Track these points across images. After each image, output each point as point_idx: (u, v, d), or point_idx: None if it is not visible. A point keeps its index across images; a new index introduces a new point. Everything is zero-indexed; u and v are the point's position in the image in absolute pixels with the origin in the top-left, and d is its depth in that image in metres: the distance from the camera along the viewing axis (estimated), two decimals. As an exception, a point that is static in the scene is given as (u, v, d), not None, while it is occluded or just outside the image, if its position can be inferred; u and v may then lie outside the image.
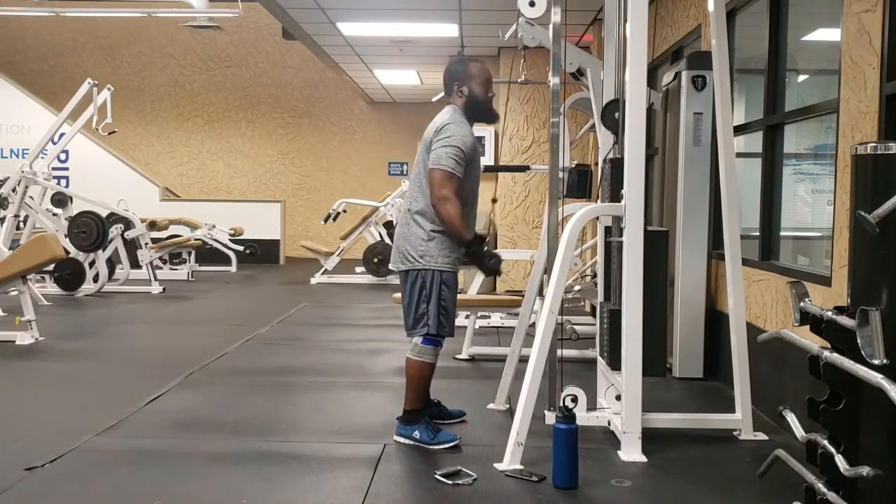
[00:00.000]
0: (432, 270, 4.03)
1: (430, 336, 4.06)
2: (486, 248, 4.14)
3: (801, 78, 5.26)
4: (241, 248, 13.40)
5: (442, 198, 3.94)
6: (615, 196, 4.07)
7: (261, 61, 16.47)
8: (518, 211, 10.62)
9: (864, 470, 2.41)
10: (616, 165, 4.10)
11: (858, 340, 2.42)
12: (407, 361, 4.15)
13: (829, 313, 2.65)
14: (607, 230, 4.44)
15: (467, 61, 4.27)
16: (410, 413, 4.12)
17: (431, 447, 4.02)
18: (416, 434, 4.07)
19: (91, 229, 9.72)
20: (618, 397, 4.11)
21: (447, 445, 4.03)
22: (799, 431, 2.85)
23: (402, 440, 4.10)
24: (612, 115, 4.41)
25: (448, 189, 3.94)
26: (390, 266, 4.27)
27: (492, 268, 4.16)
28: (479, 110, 4.18)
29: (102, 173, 14.37)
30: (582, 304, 8.21)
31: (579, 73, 5.28)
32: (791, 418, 2.93)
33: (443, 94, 4.31)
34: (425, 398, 4.21)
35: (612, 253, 4.31)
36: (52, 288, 9.89)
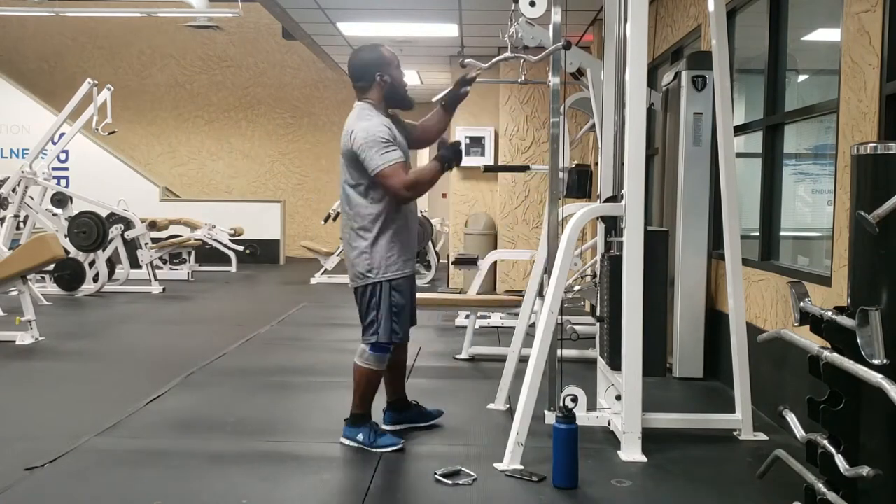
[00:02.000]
0: (381, 282, 3.97)
1: (380, 344, 4.01)
2: (451, 151, 4.01)
3: (801, 78, 5.26)
4: (241, 248, 13.39)
5: (404, 186, 3.86)
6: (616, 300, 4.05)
7: (261, 61, 16.46)
8: (518, 211, 10.62)
9: (864, 470, 2.42)
10: (617, 263, 4.02)
11: (858, 340, 2.42)
12: (354, 367, 4.10)
13: (829, 313, 2.65)
14: (607, 231, 4.43)
15: (376, 46, 4.07)
16: (357, 416, 4.10)
17: (372, 450, 3.98)
18: (360, 437, 4.04)
19: (91, 229, 9.72)
20: (618, 397, 4.11)
21: (389, 449, 3.98)
22: (799, 431, 2.85)
23: (346, 442, 4.07)
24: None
25: (402, 178, 3.85)
26: (349, 285, 4.15)
27: (459, 154, 4.03)
28: (399, 96, 4.08)
29: (102, 173, 14.36)
30: (582, 304, 8.20)
31: (579, 73, 5.28)
32: (791, 418, 2.94)
33: (441, 95, 4.26)
34: (371, 402, 4.14)
35: (602, 272, 4.30)
36: (52, 288, 9.89)
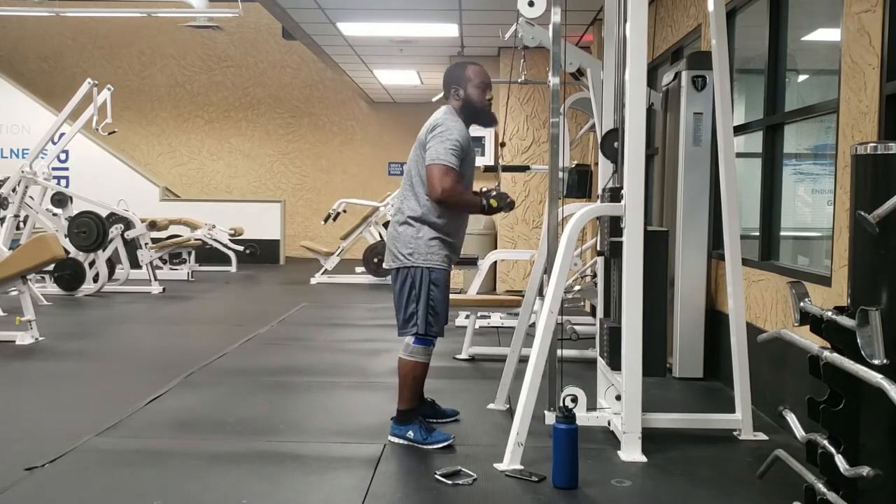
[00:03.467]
0: (420, 268, 4.05)
1: (420, 336, 4.08)
2: (496, 196, 4.11)
3: (801, 78, 5.26)
4: (241, 248, 13.40)
5: (444, 190, 3.95)
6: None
7: (261, 61, 16.46)
8: (518, 211, 10.62)
9: (864, 470, 2.42)
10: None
11: (858, 340, 2.42)
12: (399, 361, 4.16)
13: (829, 313, 2.65)
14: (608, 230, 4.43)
15: (465, 64, 4.28)
16: (404, 413, 4.13)
17: (425, 447, 4.02)
18: (410, 434, 4.07)
19: (91, 229, 9.72)
20: (618, 397, 4.11)
21: (441, 445, 4.03)
22: (799, 431, 2.85)
23: (396, 440, 4.11)
24: (612, 144, 4.39)
25: (449, 181, 3.96)
26: (384, 265, 4.29)
27: (510, 206, 4.15)
28: (475, 113, 4.21)
29: (102, 173, 14.36)
30: (582, 304, 8.21)
31: (579, 73, 5.27)
32: (791, 418, 2.94)
33: (442, 94, 4.31)
34: (419, 398, 4.22)
35: (612, 269, 4.29)
36: (52, 288, 9.89)
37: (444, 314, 4.18)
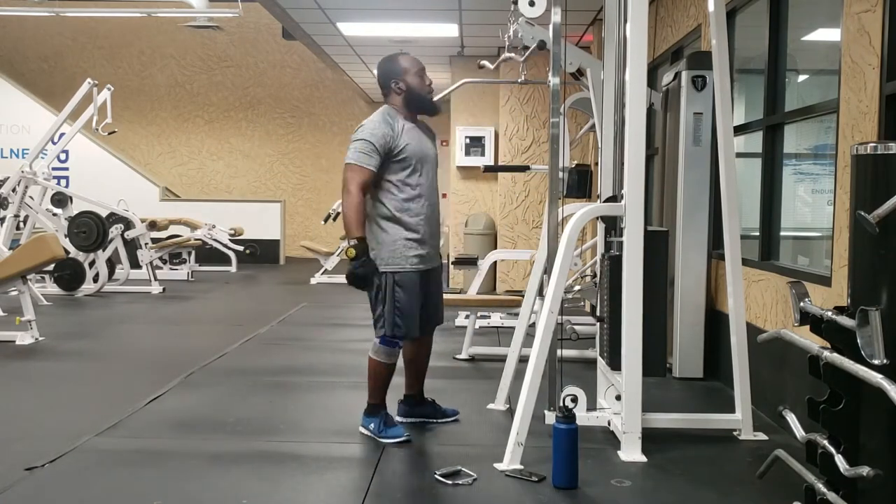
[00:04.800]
0: (385, 273, 4.06)
1: (387, 338, 4.11)
2: (363, 259, 3.98)
3: (801, 78, 5.26)
4: (241, 248, 13.39)
5: (346, 191, 3.96)
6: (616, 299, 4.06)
7: (261, 61, 16.46)
8: (518, 211, 10.62)
9: (864, 470, 2.41)
10: (617, 262, 4.03)
11: (858, 340, 2.42)
12: (368, 359, 4.23)
13: (829, 313, 2.65)
14: (607, 231, 4.44)
15: (395, 56, 4.24)
16: (371, 406, 4.23)
17: (380, 440, 4.10)
18: (371, 426, 4.17)
19: (91, 229, 9.72)
20: (618, 397, 4.11)
21: (396, 440, 4.10)
22: (799, 431, 2.85)
23: (362, 430, 4.23)
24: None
25: (353, 182, 3.94)
26: None
27: (353, 275, 3.99)
28: (420, 102, 4.18)
29: (102, 173, 14.35)
30: (582, 304, 8.20)
31: (579, 73, 5.27)
32: (791, 418, 2.94)
33: (441, 95, 4.30)
34: (384, 393, 4.25)
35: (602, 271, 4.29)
36: (52, 288, 9.89)
37: (414, 315, 4.11)
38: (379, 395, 4.22)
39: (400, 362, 4.34)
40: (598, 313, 4.42)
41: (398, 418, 4.35)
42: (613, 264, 4.08)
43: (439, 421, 4.42)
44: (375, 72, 4.26)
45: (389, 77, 4.16)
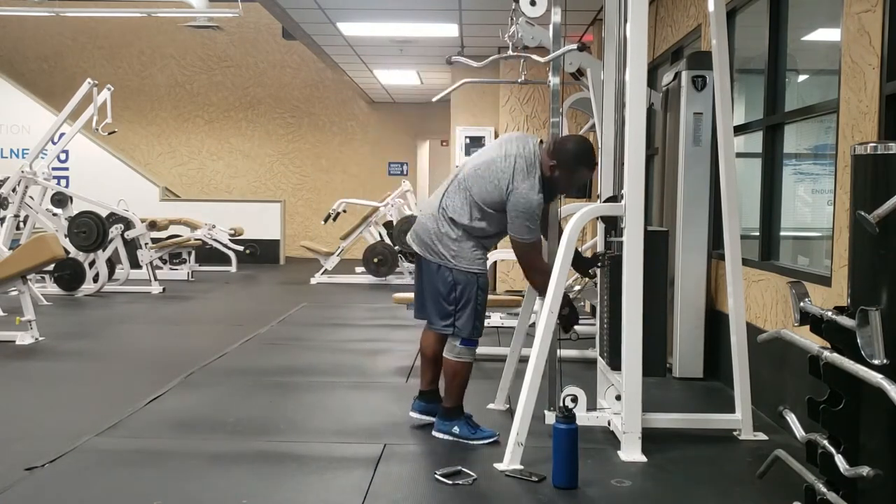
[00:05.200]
0: (466, 272, 4.07)
1: (467, 338, 4.12)
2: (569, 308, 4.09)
3: (801, 78, 5.26)
4: (241, 248, 13.39)
5: (533, 270, 4.08)
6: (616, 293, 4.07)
7: (261, 61, 16.46)
8: (518, 211, 10.60)
9: (864, 470, 2.41)
10: (617, 263, 4.04)
11: (858, 340, 2.42)
12: (446, 363, 4.17)
13: (829, 313, 2.65)
14: (607, 231, 4.44)
15: (589, 151, 4.09)
16: (451, 410, 4.17)
17: (472, 442, 4.07)
18: (456, 429, 4.12)
19: (91, 229, 9.72)
20: (618, 397, 4.11)
21: (488, 441, 4.08)
22: (799, 431, 2.85)
23: (440, 435, 4.15)
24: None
25: (536, 259, 4.08)
26: (416, 249, 4.21)
27: (563, 318, 4.05)
28: (554, 191, 4.18)
29: (102, 173, 14.35)
30: (582, 304, 8.20)
31: (579, 73, 5.27)
32: (791, 418, 2.93)
33: (441, 95, 4.30)
34: (463, 396, 4.22)
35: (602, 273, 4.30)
36: (52, 288, 9.89)
37: (484, 314, 4.23)
38: (460, 397, 4.18)
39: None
40: (598, 311, 4.41)
41: (413, 414, 4.33)
42: (613, 264, 4.08)
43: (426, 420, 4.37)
44: (563, 144, 4.09)
45: (558, 158, 4.01)
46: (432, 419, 4.30)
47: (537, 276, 4.07)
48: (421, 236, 4.18)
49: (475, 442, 4.07)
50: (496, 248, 4.43)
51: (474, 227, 4.08)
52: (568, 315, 4.09)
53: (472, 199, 4.07)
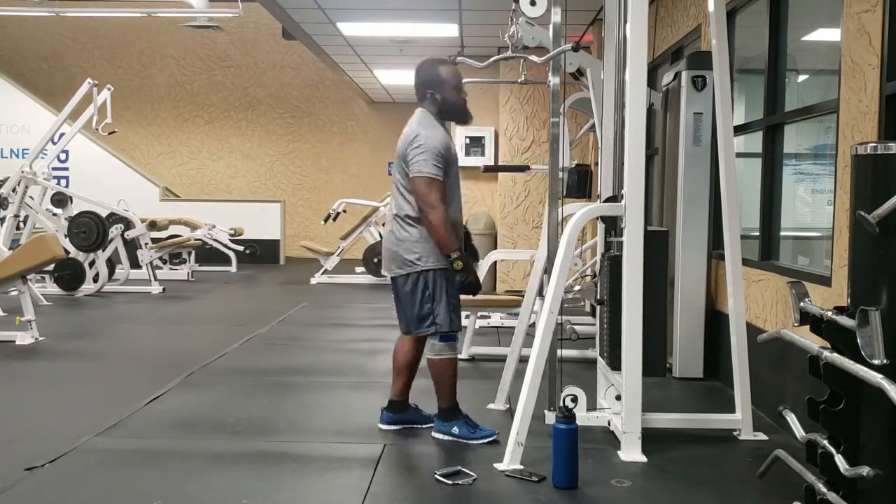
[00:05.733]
0: (433, 270, 4.05)
1: (445, 333, 4.10)
2: (464, 264, 4.03)
3: (802, 78, 5.26)
4: (241, 248, 13.39)
5: (429, 206, 3.96)
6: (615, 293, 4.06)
7: (261, 61, 16.46)
8: (518, 211, 10.62)
9: (864, 470, 2.41)
10: (616, 262, 4.04)
11: (858, 340, 2.42)
12: (429, 363, 4.17)
13: (829, 313, 2.65)
14: (607, 231, 4.44)
15: (436, 64, 4.22)
16: (448, 410, 4.16)
17: (472, 441, 4.06)
18: (456, 430, 4.11)
19: (91, 229, 9.72)
20: (618, 397, 4.11)
21: (487, 440, 4.07)
22: (799, 431, 2.85)
23: (440, 436, 4.14)
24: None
25: (434, 195, 3.96)
26: (383, 272, 4.28)
27: (466, 285, 4.08)
28: (454, 113, 4.22)
29: (102, 173, 14.36)
30: (582, 304, 8.20)
31: (579, 73, 5.27)
32: (791, 418, 2.94)
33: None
34: (455, 393, 4.20)
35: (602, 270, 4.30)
36: (52, 288, 9.89)
37: (460, 308, 4.20)
38: (453, 395, 4.17)
39: (389, 364, 4.31)
40: (598, 296, 4.40)
41: (382, 426, 4.30)
42: (613, 264, 4.08)
43: (424, 427, 4.33)
44: (414, 76, 4.21)
45: (427, 86, 4.15)
46: (416, 425, 4.29)
47: (433, 213, 3.94)
48: (385, 255, 4.22)
49: (475, 441, 4.07)
50: (469, 233, 4.35)
51: (420, 210, 4.05)
52: (471, 281, 4.07)
53: (402, 186, 4.08)
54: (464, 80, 4.26)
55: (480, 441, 4.07)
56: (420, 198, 3.98)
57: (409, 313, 4.13)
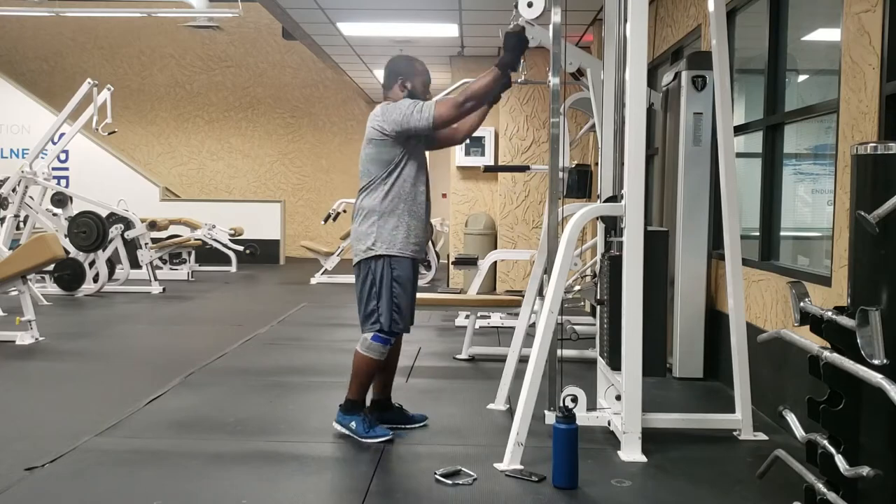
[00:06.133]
0: (382, 257, 4.03)
1: (382, 333, 4.07)
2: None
3: (802, 78, 5.26)
4: (241, 248, 13.40)
5: (456, 105, 3.97)
6: (616, 293, 4.05)
7: (261, 61, 16.47)
8: (518, 211, 10.62)
9: (864, 470, 2.41)
10: (616, 262, 4.04)
11: (858, 340, 2.42)
12: (355, 354, 4.17)
13: (829, 313, 2.65)
14: (607, 231, 4.44)
15: (412, 59, 4.29)
16: (351, 403, 4.17)
17: (364, 440, 4.07)
18: (353, 425, 4.13)
19: (91, 229, 9.72)
20: (618, 397, 4.11)
21: (380, 440, 4.07)
22: (799, 431, 2.85)
23: (339, 427, 4.17)
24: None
25: (448, 103, 3.99)
26: (352, 263, 4.27)
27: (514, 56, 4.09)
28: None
29: (102, 173, 14.37)
30: (582, 304, 8.21)
31: (579, 73, 5.27)
32: (791, 418, 2.93)
33: (441, 95, 4.31)
34: (367, 391, 4.23)
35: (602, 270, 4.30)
36: (52, 288, 9.89)
37: (410, 309, 4.15)
38: (362, 392, 4.19)
39: (398, 365, 4.31)
40: (598, 296, 4.40)
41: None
42: (613, 264, 4.08)
43: (408, 427, 4.34)
44: (383, 68, 4.27)
45: (399, 74, 4.19)
46: (400, 426, 4.29)
47: (469, 100, 3.99)
48: (352, 246, 4.21)
49: (367, 441, 4.06)
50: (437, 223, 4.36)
51: (389, 204, 4.03)
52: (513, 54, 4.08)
53: (373, 181, 4.07)
54: (464, 81, 4.28)
55: (373, 441, 4.05)
56: (450, 116, 3.99)
57: (359, 309, 4.14)
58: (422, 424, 4.42)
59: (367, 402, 4.31)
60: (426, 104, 4.00)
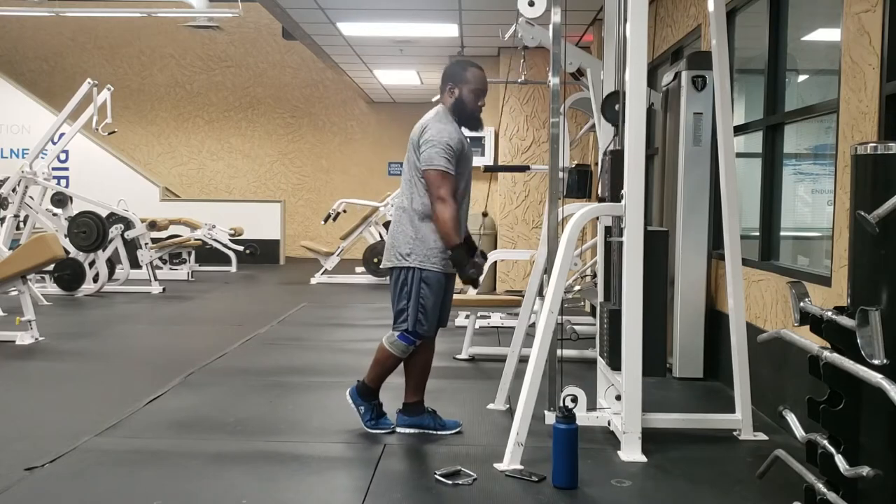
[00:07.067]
0: (414, 268, 4.09)
1: (407, 332, 4.14)
2: (470, 257, 4.11)
3: (801, 78, 5.26)
4: (241, 248, 13.40)
5: (439, 198, 4.00)
6: (616, 189, 4.06)
7: (261, 61, 16.46)
8: (518, 211, 10.62)
9: (864, 470, 2.41)
10: (617, 158, 4.10)
11: (858, 340, 2.42)
12: (379, 345, 4.26)
13: (829, 313, 2.65)
14: (607, 230, 4.44)
15: (467, 65, 4.29)
16: (365, 388, 4.29)
17: (365, 425, 4.25)
18: (362, 409, 4.27)
19: (91, 229, 9.72)
20: (618, 397, 4.11)
21: (382, 430, 4.23)
22: (799, 431, 2.85)
23: (350, 402, 4.31)
24: (613, 106, 4.42)
25: (445, 188, 4.00)
26: (383, 264, 4.33)
27: (469, 277, 4.12)
28: (464, 115, 4.22)
29: (102, 173, 14.36)
30: (582, 304, 8.21)
31: (579, 73, 5.27)
32: (791, 418, 2.93)
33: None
34: (382, 383, 4.32)
35: (612, 253, 4.31)
36: (52, 288, 9.89)
37: (436, 315, 4.17)
38: (378, 381, 4.28)
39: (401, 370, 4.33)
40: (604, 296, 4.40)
41: (399, 429, 4.29)
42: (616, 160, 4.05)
43: (440, 433, 4.28)
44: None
45: (449, 80, 4.21)
46: (421, 430, 4.27)
47: (441, 206, 3.98)
48: (386, 246, 4.27)
49: (370, 429, 4.24)
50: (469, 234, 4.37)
51: (426, 204, 4.07)
52: (473, 275, 4.11)
53: (413, 177, 4.11)
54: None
55: (374, 430, 4.23)
56: (431, 189, 4.03)
57: (392, 307, 4.21)
58: (456, 431, 4.32)
59: (400, 405, 4.39)
60: (438, 173, 3.99)
